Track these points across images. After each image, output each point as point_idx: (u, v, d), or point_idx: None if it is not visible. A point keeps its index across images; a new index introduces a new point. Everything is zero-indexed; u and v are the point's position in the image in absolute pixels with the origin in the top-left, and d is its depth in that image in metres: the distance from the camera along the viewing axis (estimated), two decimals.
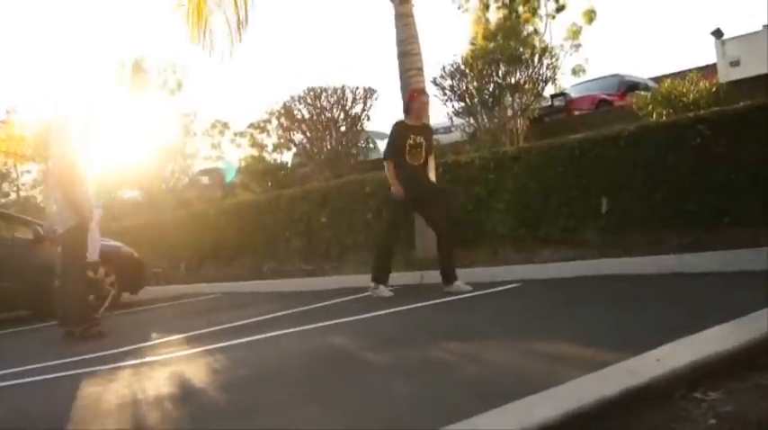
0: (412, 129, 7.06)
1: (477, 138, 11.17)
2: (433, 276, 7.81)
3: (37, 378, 4.70)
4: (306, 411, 3.05)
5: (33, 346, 6.62)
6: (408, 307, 6.09)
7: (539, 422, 1.94)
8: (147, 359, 5.01)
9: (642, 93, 12.70)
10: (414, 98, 7.18)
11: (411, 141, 6.97)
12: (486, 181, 8.58)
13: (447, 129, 13.56)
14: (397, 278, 7.69)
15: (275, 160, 17.03)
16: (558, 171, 7.95)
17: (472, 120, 11.39)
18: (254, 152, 17.83)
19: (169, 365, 4.67)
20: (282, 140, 16.44)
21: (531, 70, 10.90)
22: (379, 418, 2.77)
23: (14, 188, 23.81)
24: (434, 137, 8.61)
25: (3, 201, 22.20)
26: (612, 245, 7.14)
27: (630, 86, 15.02)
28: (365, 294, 7.26)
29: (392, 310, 6.00)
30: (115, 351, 5.45)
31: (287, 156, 17.15)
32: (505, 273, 7.22)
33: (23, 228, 9.73)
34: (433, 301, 6.17)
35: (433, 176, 7.22)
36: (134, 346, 5.65)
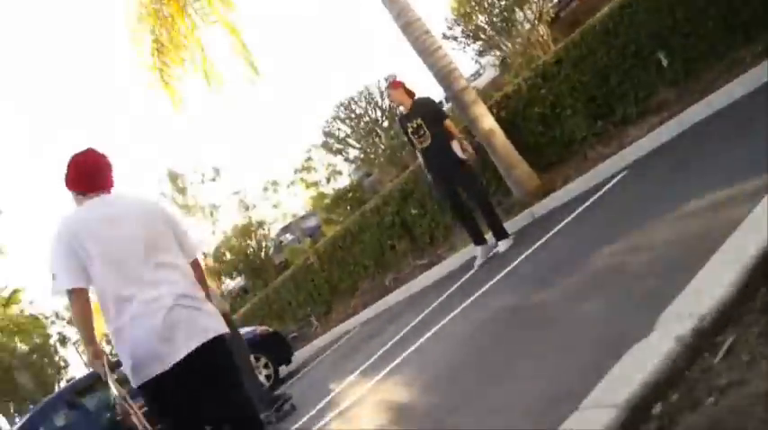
0: (407, 117, 7.44)
1: (509, 65, 11.05)
2: (543, 206, 7.80)
3: None
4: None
5: None
6: (544, 241, 6.04)
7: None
8: (349, 403, 5.17)
9: None
10: (388, 95, 7.39)
11: (411, 128, 7.34)
12: (541, 97, 8.46)
13: (476, 74, 13.45)
14: (510, 226, 7.68)
15: (333, 190, 17.25)
16: (602, 52, 7.79)
17: (497, 52, 11.28)
18: (312, 192, 18.11)
19: (377, 393, 4.81)
20: (331, 169, 16.67)
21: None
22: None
23: None
24: (472, 84, 8.65)
25: None
26: (691, 91, 6.94)
27: None
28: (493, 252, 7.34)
29: (532, 251, 5.99)
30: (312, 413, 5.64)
31: (343, 181, 17.35)
32: (606, 168, 7.12)
33: None
34: (562, 225, 6.12)
35: (456, 146, 7.20)
36: (327, 401, 5.83)
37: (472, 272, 7.33)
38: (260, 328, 10.79)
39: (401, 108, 7.57)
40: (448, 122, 7.37)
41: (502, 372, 3.28)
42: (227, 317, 6.55)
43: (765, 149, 3.67)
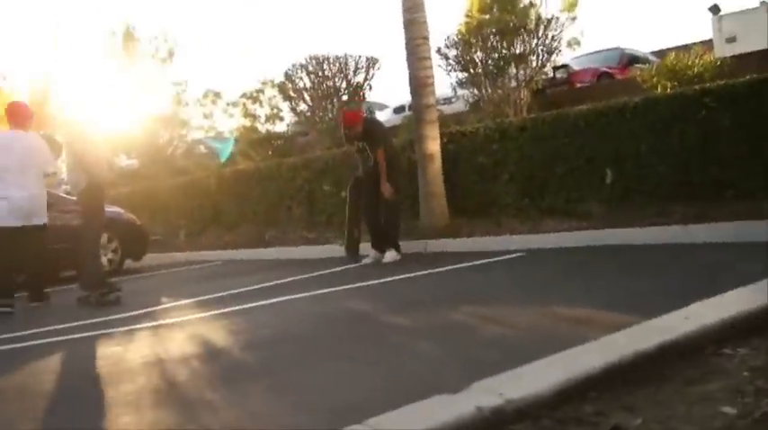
0: (354, 137, 7.70)
1: (480, 108, 11.20)
2: (437, 245, 7.94)
3: (61, 337, 4.77)
4: (335, 368, 3.13)
5: (57, 309, 6.65)
6: (416, 273, 6.16)
7: (584, 371, 2.02)
8: (164, 321, 5.08)
9: (643, 66, 12.73)
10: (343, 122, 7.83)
11: (357, 148, 7.74)
12: (490, 151, 8.61)
13: (448, 100, 13.54)
14: (403, 246, 7.76)
15: (267, 131, 16.96)
16: (563, 142, 7.99)
17: (476, 91, 11.41)
18: (247, 122, 17.72)
19: (188, 327, 4.74)
20: (275, 111, 16.37)
21: (536, 41, 10.91)
22: (409, 374, 2.85)
23: None
24: (438, 107, 8.83)
25: None
26: (617, 216, 7.22)
27: (632, 59, 15.00)
28: (365, 262, 7.44)
29: (403, 276, 6.09)
30: (129, 314, 5.52)
31: (280, 127, 17.10)
32: (510, 243, 7.31)
33: None
34: (438, 269, 6.23)
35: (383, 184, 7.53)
36: (148, 310, 5.71)
37: (347, 267, 7.39)
38: (127, 215, 10.48)
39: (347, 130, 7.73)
40: (380, 152, 7.50)
41: (295, 367, 3.28)
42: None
43: (639, 294, 3.87)
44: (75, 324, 5.20)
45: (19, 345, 4.66)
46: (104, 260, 9.72)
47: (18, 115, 6.55)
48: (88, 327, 5.01)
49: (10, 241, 6.23)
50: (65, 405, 3.03)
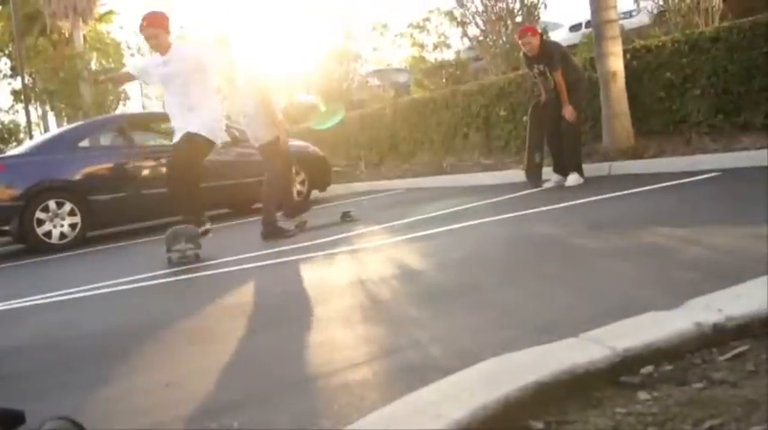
0: (534, 59, 7.52)
1: (665, 20, 10.46)
2: (621, 167, 7.67)
3: (265, 262, 5.17)
4: (530, 287, 3.19)
5: (247, 238, 7.17)
6: (601, 196, 6.01)
7: None
8: (360, 246, 5.36)
9: None
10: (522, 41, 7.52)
11: (537, 71, 7.56)
12: (679, 65, 8.09)
13: (629, 14, 12.77)
14: (585, 169, 7.58)
15: (436, 59, 16.88)
16: (762, 52, 7.34)
17: (661, 2, 10.63)
18: (415, 52, 17.72)
19: (383, 251, 4.98)
20: (441, 39, 16.21)
21: None
22: (609, 293, 2.85)
23: None
24: (620, 21, 8.47)
25: None
26: None
27: None
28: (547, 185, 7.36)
29: (588, 200, 5.97)
30: (325, 240, 5.86)
31: (447, 54, 16.95)
32: (702, 163, 6.90)
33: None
34: (624, 191, 6.03)
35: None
36: (341, 236, 6.03)
37: (528, 191, 7.35)
38: (312, 148, 10.97)
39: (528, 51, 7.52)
40: (558, 74, 7.30)
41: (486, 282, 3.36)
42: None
43: None
44: (277, 250, 5.62)
45: (234, 268, 5.12)
46: (294, 192, 10.33)
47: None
48: (288, 253, 5.40)
49: None
50: (279, 321, 3.32)
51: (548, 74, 7.39)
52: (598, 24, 8.31)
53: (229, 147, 9.91)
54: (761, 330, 1.91)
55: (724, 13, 9.38)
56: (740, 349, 1.83)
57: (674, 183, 6.16)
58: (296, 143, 11.02)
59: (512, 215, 5.70)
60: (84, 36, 25.48)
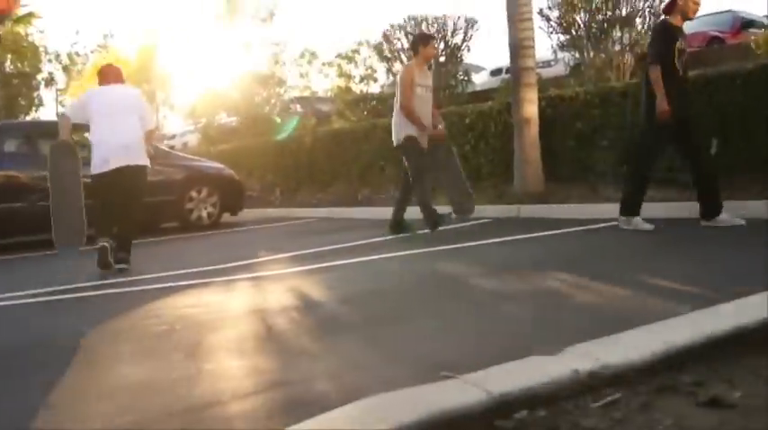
0: (679, 30, 5.90)
1: (580, 72, 10.92)
2: (530, 210, 7.86)
3: (165, 285, 5.03)
4: (425, 326, 3.20)
5: (149, 259, 6.99)
6: (507, 238, 6.15)
7: (682, 341, 2.01)
8: (264, 274, 5.28)
9: (758, 31, 12.05)
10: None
11: (680, 45, 5.81)
12: (590, 116, 8.42)
13: (547, 63, 13.25)
14: (493, 211, 7.73)
15: (361, 91, 17.05)
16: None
17: (577, 54, 11.11)
18: (342, 83, 17.85)
19: (285, 280, 4.91)
20: (369, 72, 16.40)
21: (642, 3, 10.50)
22: (500, 335, 2.89)
23: None
24: (537, 70, 8.63)
25: None
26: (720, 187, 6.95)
27: (745, 24, 14.21)
28: (468, 224, 7.43)
29: (494, 241, 6.08)
30: (228, 265, 5.75)
31: (374, 88, 17.15)
32: (605, 211, 7.15)
33: None
34: (531, 235, 6.18)
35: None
36: (244, 262, 5.93)
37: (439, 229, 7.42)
38: (227, 170, 10.82)
39: (672, 18, 5.89)
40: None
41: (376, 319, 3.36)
42: None
43: (732, 272, 3.76)
44: (179, 272, 5.47)
45: (131, 289, 4.95)
46: (204, 213, 10.16)
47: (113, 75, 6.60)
48: (190, 276, 5.27)
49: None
50: (167, 347, 3.21)
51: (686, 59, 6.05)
52: (516, 70, 8.58)
53: None
54: (635, 379, 1.96)
55: (635, 71, 9.86)
56: (613, 397, 1.87)
57: (577, 229, 6.35)
58: (211, 164, 10.90)
59: (418, 251, 5.74)
60: (0, 36, 24.55)
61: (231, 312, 3.86)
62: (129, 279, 5.32)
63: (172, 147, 10.38)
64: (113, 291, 4.93)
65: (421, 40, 7.11)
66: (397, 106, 6.94)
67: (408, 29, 12.96)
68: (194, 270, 5.56)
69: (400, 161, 7.19)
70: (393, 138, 7.03)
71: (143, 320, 3.91)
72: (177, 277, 5.26)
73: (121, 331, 3.63)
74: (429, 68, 7.38)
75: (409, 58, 13.10)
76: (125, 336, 3.46)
